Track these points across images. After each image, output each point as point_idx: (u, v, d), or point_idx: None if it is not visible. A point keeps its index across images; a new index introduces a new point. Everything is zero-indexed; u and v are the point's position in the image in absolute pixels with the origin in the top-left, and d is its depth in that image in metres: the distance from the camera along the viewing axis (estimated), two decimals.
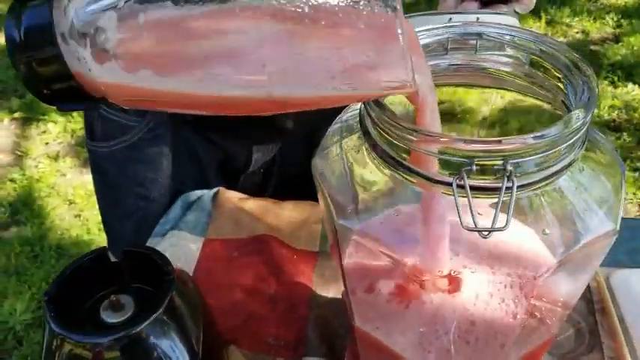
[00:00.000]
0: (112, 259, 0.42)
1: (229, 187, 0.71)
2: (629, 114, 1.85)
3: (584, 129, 0.30)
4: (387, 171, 0.32)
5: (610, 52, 2.13)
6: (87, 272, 0.40)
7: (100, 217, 0.79)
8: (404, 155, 0.31)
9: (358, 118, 0.34)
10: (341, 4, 0.26)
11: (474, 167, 0.28)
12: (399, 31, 0.26)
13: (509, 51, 0.36)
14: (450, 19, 0.36)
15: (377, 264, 0.35)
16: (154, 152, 0.70)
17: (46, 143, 1.89)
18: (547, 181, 0.30)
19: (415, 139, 0.29)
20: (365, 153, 0.34)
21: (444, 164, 0.29)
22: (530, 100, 0.38)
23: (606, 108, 1.86)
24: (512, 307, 0.33)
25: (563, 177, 0.31)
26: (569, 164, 0.31)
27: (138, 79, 0.29)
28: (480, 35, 0.36)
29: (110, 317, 0.38)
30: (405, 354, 0.36)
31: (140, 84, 0.29)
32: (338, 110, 0.37)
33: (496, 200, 0.28)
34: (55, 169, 1.79)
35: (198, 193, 0.69)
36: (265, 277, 0.59)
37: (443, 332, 0.34)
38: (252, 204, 0.67)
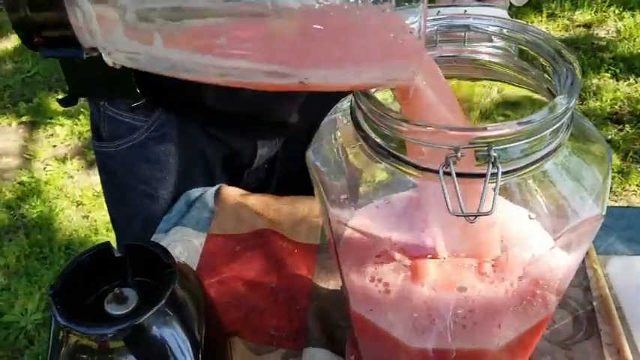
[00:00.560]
0: (117, 254, 0.43)
1: (233, 184, 0.72)
2: (632, 106, 1.85)
3: (569, 114, 0.31)
4: (378, 160, 0.33)
5: (612, 44, 2.12)
6: (91, 267, 0.41)
7: (107, 218, 0.79)
8: (393, 145, 0.31)
9: (349, 110, 0.35)
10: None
11: (460, 154, 0.29)
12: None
13: (498, 42, 0.37)
14: (438, 12, 0.37)
15: (370, 252, 0.36)
16: (160, 151, 0.70)
17: (54, 146, 1.91)
18: (533, 166, 0.31)
19: (403, 128, 0.30)
20: (357, 143, 0.34)
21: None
22: (521, 91, 0.39)
23: (608, 100, 1.86)
24: (507, 287, 0.34)
25: (551, 162, 0.32)
26: (555, 149, 0.31)
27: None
28: (467, 27, 0.37)
29: (114, 310, 0.39)
30: (399, 335, 0.37)
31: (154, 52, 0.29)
32: None
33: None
34: (63, 171, 1.81)
35: (200, 190, 0.70)
36: (267, 270, 0.60)
37: (437, 316, 0.35)
38: (253, 200, 0.68)
